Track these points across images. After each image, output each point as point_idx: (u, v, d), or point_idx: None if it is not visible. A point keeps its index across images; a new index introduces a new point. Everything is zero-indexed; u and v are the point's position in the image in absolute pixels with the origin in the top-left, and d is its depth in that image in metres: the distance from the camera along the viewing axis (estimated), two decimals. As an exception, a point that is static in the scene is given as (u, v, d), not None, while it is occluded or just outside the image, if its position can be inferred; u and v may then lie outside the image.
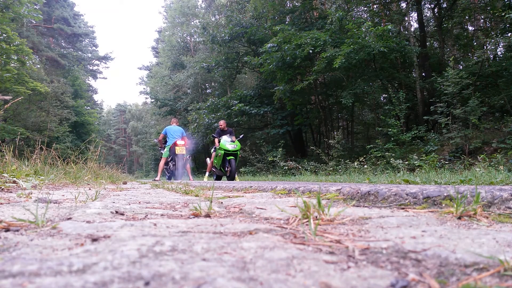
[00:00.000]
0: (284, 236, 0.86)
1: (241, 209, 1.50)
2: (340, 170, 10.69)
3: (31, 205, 1.42)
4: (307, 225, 0.99)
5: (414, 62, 13.24)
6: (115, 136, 57.74)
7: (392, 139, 11.15)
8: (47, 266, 0.56)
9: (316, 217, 1.07)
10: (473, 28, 16.46)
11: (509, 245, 0.74)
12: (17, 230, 0.88)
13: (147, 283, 0.49)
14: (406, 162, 8.65)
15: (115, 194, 2.45)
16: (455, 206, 1.11)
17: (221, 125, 9.46)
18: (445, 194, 1.30)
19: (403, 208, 1.33)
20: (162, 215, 1.30)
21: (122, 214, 1.28)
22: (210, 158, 9.85)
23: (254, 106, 17.10)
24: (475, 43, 14.84)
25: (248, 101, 17.64)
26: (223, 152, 8.49)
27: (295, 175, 11.23)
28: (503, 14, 9.90)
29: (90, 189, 2.88)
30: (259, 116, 19.37)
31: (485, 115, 11.00)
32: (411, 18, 16.46)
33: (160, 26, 44.57)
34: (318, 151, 13.05)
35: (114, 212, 1.31)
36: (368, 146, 11.55)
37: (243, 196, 2.17)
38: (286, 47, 13.45)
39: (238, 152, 8.69)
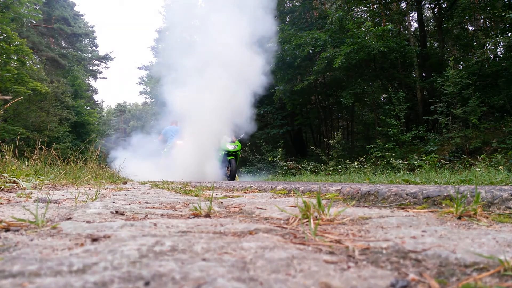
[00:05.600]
0: (284, 236, 0.86)
1: (241, 209, 1.50)
2: (340, 170, 10.70)
3: (31, 205, 1.42)
4: (307, 225, 0.99)
5: (414, 62, 13.24)
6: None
7: (392, 139, 11.16)
8: (47, 266, 0.56)
9: (316, 217, 1.07)
10: (473, 28, 16.47)
11: (509, 245, 0.74)
12: (17, 230, 0.88)
13: (147, 283, 0.49)
14: (406, 162, 8.65)
15: (115, 194, 2.45)
16: (455, 206, 1.11)
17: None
18: (445, 194, 1.30)
19: (403, 208, 1.33)
20: (162, 215, 1.30)
21: (122, 214, 1.28)
22: None
23: (254, 106, 17.09)
24: (475, 43, 14.85)
25: (248, 101, 17.63)
26: (223, 152, 8.50)
27: (295, 175, 11.24)
28: (503, 14, 9.91)
29: (90, 189, 2.89)
30: (259, 116, 19.36)
31: (485, 115, 11.02)
32: (411, 18, 16.48)
33: (160, 26, 44.54)
34: (318, 151, 13.05)
35: (114, 212, 1.31)
36: (368, 146, 11.55)
37: (243, 196, 2.17)
38: (286, 47, 13.45)
39: (239, 152, 8.70)
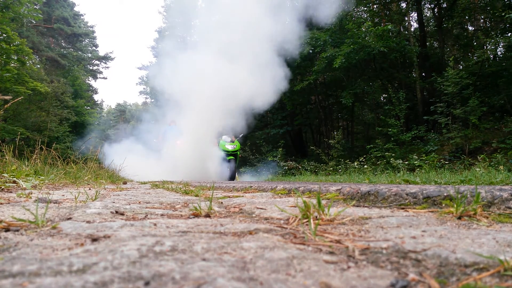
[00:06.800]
0: (284, 236, 0.86)
1: (241, 209, 1.50)
2: (340, 170, 10.70)
3: (31, 205, 1.42)
4: (307, 225, 0.99)
5: (414, 62, 13.25)
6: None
7: (392, 139, 11.16)
8: (47, 266, 0.56)
9: (316, 217, 1.07)
10: (473, 28, 16.47)
11: (509, 245, 0.74)
12: (17, 230, 0.88)
13: (147, 283, 0.49)
14: (406, 162, 8.65)
15: (115, 194, 2.45)
16: (455, 206, 1.11)
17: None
18: (445, 194, 1.30)
19: (403, 208, 1.33)
20: (162, 215, 1.30)
21: (122, 214, 1.28)
22: None
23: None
24: (475, 43, 14.86)
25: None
26: (223, 152, 8.50)
27: (295, 175, 11.24)
28: (503, 14, 9.91)
29: (90, 189, 2.89)
30: (259, 116, 19.36)
31: (485, 115, 11.02)
32: (411, 18, 16.46)
33: (160, 26, 44.50)
34: (318, 151, 13.06)
35: (114, 212, 1.31)
36: (368, 146, 11.56)
37: (243, 196, 2.17)
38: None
39: (238, 152, 8.70)
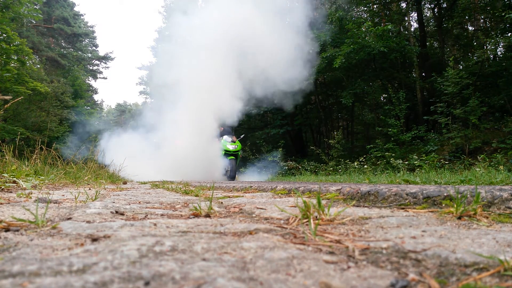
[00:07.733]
0: (284, 236, 0.86)
1: (241, 209, 1.50)
2: (340, 170, 10.70)
3: (31, 205, 1.42)
4: (307, 225, 0.99)
5: (414, 62, 13.26)
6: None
7: (392, 139, 11.17)
8: (47, 266, 0.56)
9: (316, 217, 1.07)
10: (473, 28, 16.47)
11: (509, 245, 0.74)
12: (17, 230, 0.88)
13: (147, 283, 0.49)
14: (406, 162, 8.65)
15: (115, 194, 2.45)
16: (455, 206, 1.11)
17: (220, 128, 9.55)
18: (445, 194, 1.30)
19: (403, 208, 1.33)
20: (162, 215, 1.30)
21: (122, 214, 1.28)
22: None
23: (255, 106, 17.09)
24: (475, 43, 14.86)
25: (248, 101, 17.62)
26: (223, 152, 8.50)
27: (295, 175, 11.24)
28: (503, 14, 9.91)
29: (90, 189, 2.88)
30: (259, 116, 19.36)
31: (485, 115, 11.02)
32: (411, 18, 16.47)
33: (160, 26, 44.54)
34: (318, 151, 13.07)
35: (114, 212, 1.31)
36: (368, 146, 11.56)
37: (243, 196, 2.17)
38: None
39: (239, 153, 8.71)
